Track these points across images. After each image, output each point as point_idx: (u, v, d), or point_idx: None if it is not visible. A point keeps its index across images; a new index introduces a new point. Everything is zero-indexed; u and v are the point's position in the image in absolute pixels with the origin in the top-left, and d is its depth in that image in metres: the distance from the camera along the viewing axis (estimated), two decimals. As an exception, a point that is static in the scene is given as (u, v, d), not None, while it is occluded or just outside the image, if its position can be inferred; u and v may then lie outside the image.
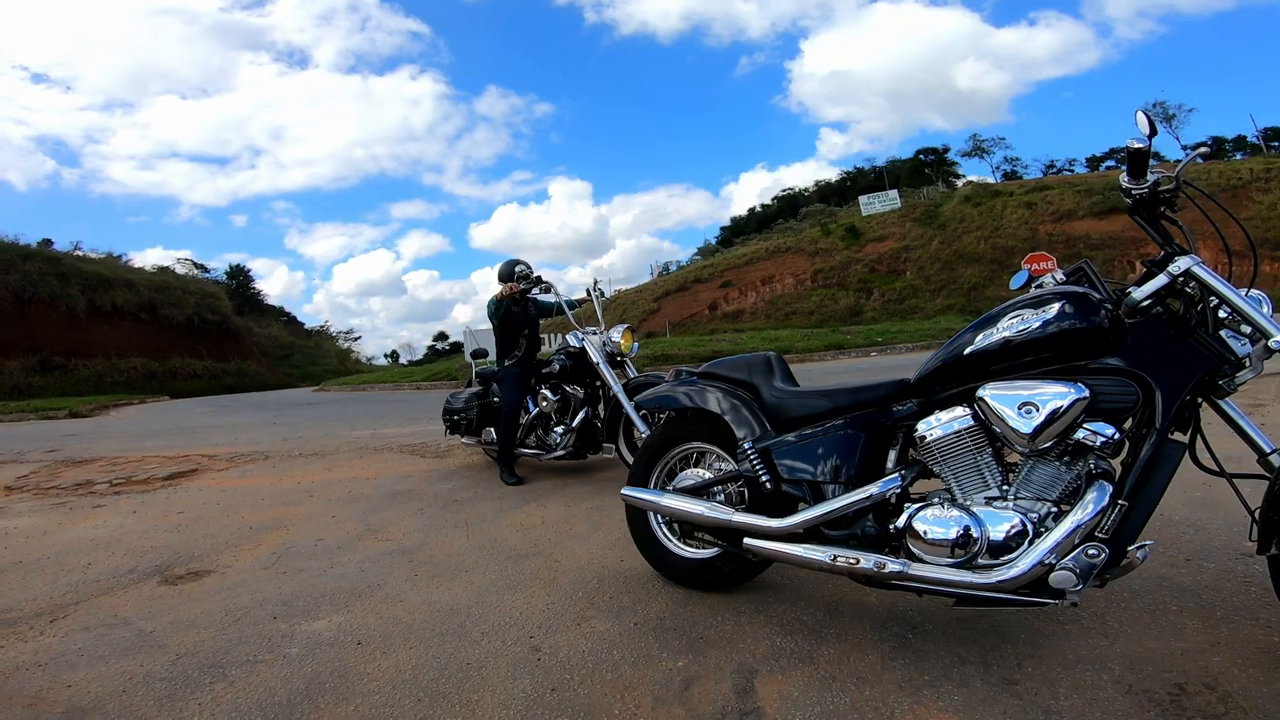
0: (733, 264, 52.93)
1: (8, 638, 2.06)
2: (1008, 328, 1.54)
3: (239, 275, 53.33)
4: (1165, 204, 1.52)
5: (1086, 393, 1.42)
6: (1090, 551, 1.39)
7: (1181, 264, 1.46)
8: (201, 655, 1.87)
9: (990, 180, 53.78)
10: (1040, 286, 1.78)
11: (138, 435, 9.18)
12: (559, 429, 4.20)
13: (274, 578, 2.57)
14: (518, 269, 4.21)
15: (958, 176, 57.73)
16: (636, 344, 4.16)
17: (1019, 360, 1.54)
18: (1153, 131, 1.46)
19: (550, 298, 4.42)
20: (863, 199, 51.60)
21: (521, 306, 4.30)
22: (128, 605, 2.31)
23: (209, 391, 28.41)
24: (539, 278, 4.24)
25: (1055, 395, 1.43)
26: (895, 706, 1.44)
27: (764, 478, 1.88)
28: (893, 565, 1.58)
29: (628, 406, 3.73)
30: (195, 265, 46.89)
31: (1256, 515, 1.44)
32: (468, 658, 1.79)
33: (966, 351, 1.61)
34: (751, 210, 73.04)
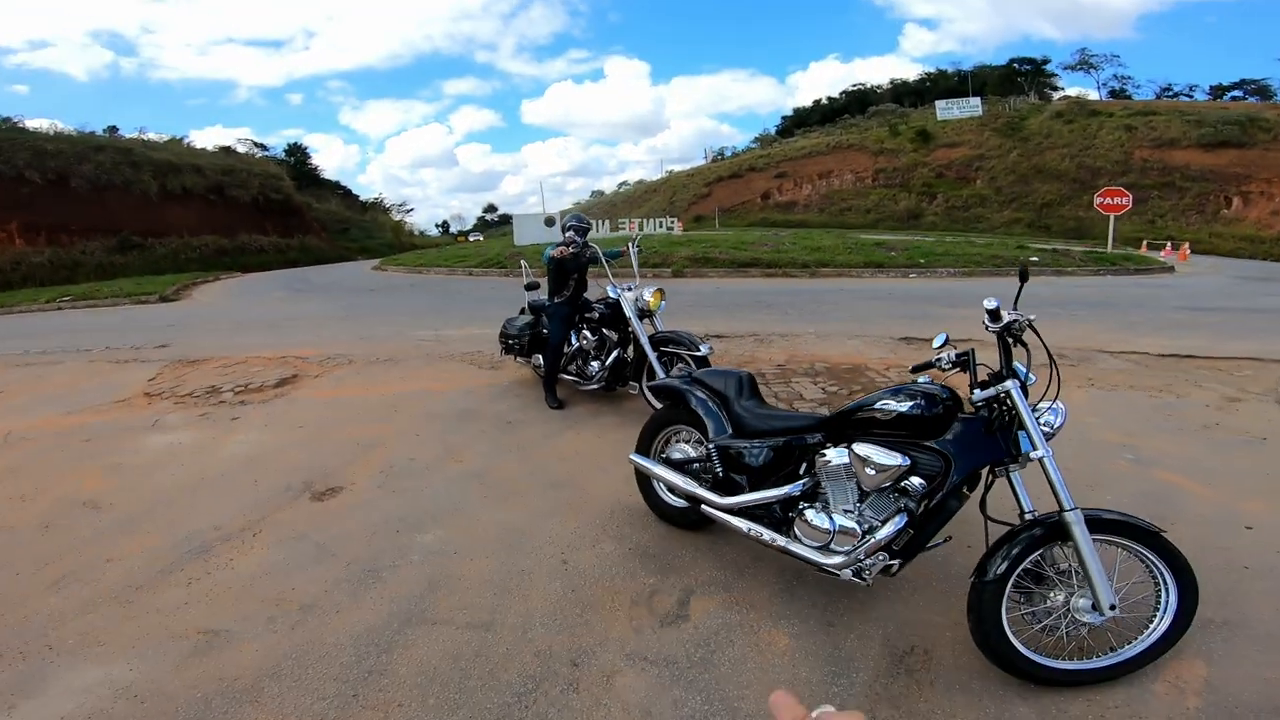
0: (790, 155, 50.72)
1: (234, 550, 3.13)
2: (884, 405, 2.23)
3: (297, 153, 54.50)
4: (1014, 337, 2.15)
5: (908, 462, 2.13)
6: (882, 556, 2.18)
7: (1004, 385, 2.10)
8: (363, 562, 2.90)
9: (1094, 96, 48.63)
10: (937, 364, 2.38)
11: (230, 328, 10.54)
12: (595, 364, 5.07)
13: (390, 497, 3.61)
14: (566, 234, 4.91)
15: (1054, 89, 52.57)
16: (664, 303, 4.84)
17: (885, 428, 2.23)
18: (994, 316, 2.12)
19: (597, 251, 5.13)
20: (940, 103, 47.84)
21: (574, 254, 5.05)
22: (297, 521, 3.38)
23: (275, 265, 30.38)
24: (585, 244, 4.93)
25: (889, 459, 2.14)
26: (761, 626, 2.32)
27: (717, 468, 2.71)
28: (780, 541, 2.40)
29: (651, 355, 4.54)
30: (255, 144, 48.21)
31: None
32: (522, 566, 2.78)
33: (859, 414, 2.31)
34: (817, 102, 68.37)
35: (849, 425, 2.35)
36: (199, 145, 39.91)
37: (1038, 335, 2.14)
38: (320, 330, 9.57)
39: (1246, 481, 3.43)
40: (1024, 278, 2.28)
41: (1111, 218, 21.59)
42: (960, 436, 2.14)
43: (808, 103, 70.56)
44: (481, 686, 2.07)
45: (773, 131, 65.85)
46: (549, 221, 26.29)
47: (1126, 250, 21.43)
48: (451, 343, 7.91)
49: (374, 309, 12.20)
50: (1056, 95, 51.45)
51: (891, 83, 64.94)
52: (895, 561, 2.21)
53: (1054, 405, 2.19)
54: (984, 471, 2.19)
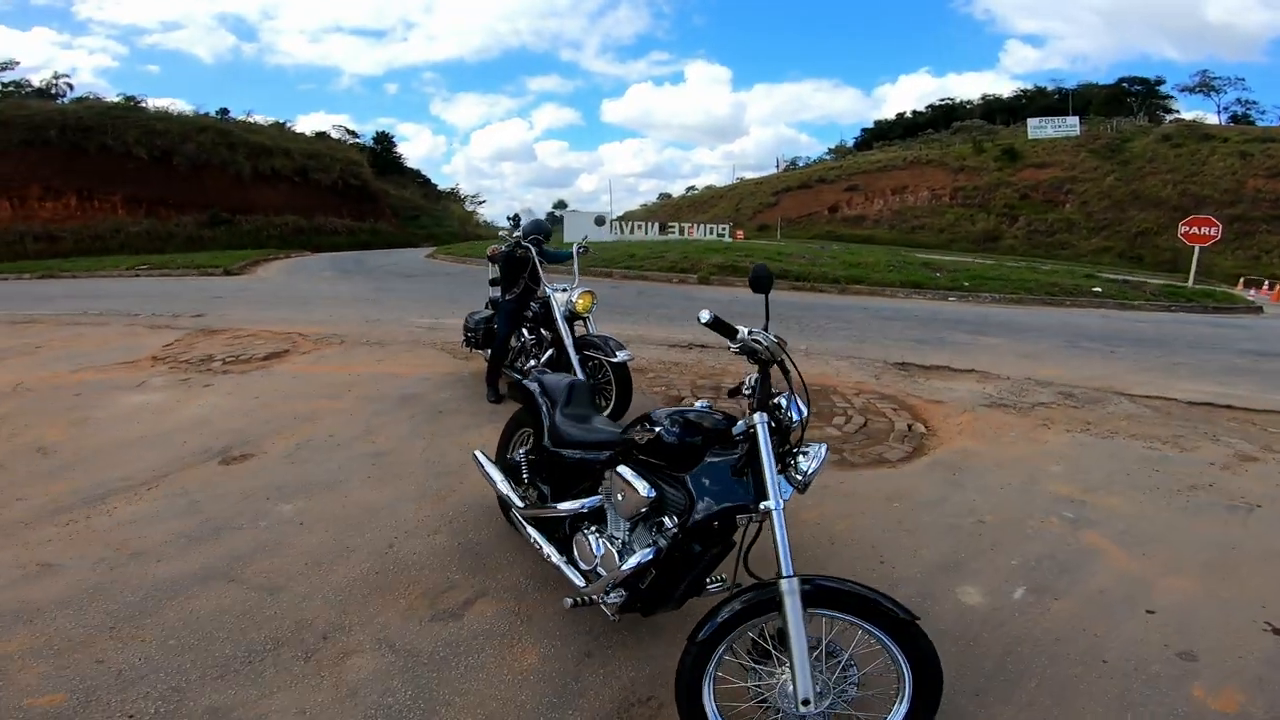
0: (863, 168, 49.49)
1: (121, 499, 3.39)
2: (650, 431, 2.09)
3: (383, 140, 57.77)
4: (770, 360, 1.98)
5: (654, 494, 1.99)
6: (621, 593, 2.05)
7: (751, 419, 1.91)
8: (217, 520, 3.09)
9: (1213, 120, 45.02)
10: None
11: (265, 303, 11.26)
12: (532, 362, 5.14)
13: (287, 466, 3.79)
14: (502, 232, 5.07)
15: (1167, 111, 48.83)
16: (595, 305, 4.86)
17: (647, 453, 2.09)
18: (712, 319, 1.93)
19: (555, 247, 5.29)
20: (1032, 121, 45.53)
21: (505, 253, 5.17)
22: (194, 480, 3.62)
23: (346, 247, 32.14)
24: (516, 244, 5.02)
25: (637, 487, 2.01)
26: (522, 641, 2.29)
27: (525, 474, 2.70)
28: (555, 557, 2.35)
29: (573, 357, 4.55)
30: (348, 131, 51.57)
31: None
32: (351, 544, 2.87)
33: (638, 437, 2.17)
34: (900, 115, 66.37)
35: (631, 449, 2.21)
36: (301, 130, 43.18)
37: (789, 360, 1.98)
38: (337, 310, 10.09)
39: (1193, 555, 3.04)
40: (761, 285, 2.04)
41: (1196, 249, 19.77)
42: (705, 473, 1.96)
43: (891, 115, 68.49)
44: (224, 640, 2.19)
45: (850, 143, 64.25)
46: (599, 220, 26.66)
47: (1210, 286, 19.60)
48: (444, 330, 8.17)
49: (398, 293, 12.74)
50: (1169, 118, 47.72)
51: (984, 98, 62.17)
52: (640, 601, 2.05)
53: (809, 448, 1.96)
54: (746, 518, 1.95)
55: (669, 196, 79.35)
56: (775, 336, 1.97)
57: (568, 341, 4.63)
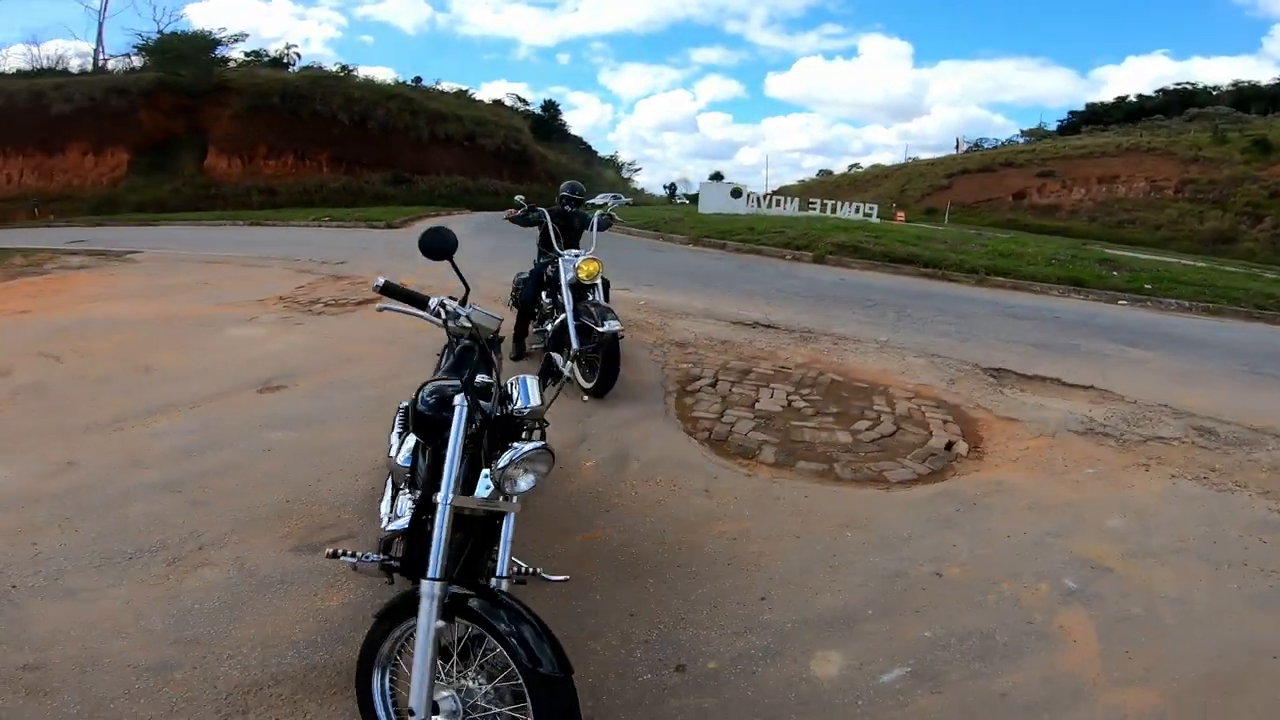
0: (1063, 153, 43.01)
1: (163, 416, 4.00)
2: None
3: (550, 108, 60.86)
4: (484, 339, 1.87)
5: (408, 462, 1.95)
6: (380, 555, 1.95)
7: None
8: (212, 441, 3.55)
9: None
10: None
11: (399, 254, 12.44)
12: (547, 326, 5.21)
13: (303, 400, 4.23)
14: (516, 198, 5.36)
15: None
16: (599, 273, 4.77)
17: (415, 426, 2.01)
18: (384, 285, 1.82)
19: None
20: None
21: (566, 219, 5.28)
22: (228, 405, 4.17)
23: (501, 207, 34.53)
24: (531, 208, 5.19)
25: (394, 450, 1.97)
26: (347, 582, 2.40)
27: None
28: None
29: (570, 324, 4.52)
30: (519, 99, 55.15)
31: None
32: (291, 474, 3.18)
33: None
34: (1121, 99, 56.24)
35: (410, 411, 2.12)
36: (481, 97, 46.89)
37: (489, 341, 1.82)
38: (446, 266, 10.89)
39: (1204, 661, 2.32)
40: (436, 252, 1.86)
41: None
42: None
43: (1109, 99, 58.15)
44: (126, 538, 2.60)
45: (1051, 127, 55.84)
46: (735, 193, 25.93)
47: None
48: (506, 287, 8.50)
49: (514, 252, 13.36)
50: None
51: (1235, 85, 50.67)
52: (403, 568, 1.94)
53: (524, 446, 1.76)
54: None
55: (829, 173, 75.06)
56: (485, 310, 1.83)
57: (567, 309, 4.60)
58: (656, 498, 3.14)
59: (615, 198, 5.50)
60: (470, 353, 1.87)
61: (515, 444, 1.80)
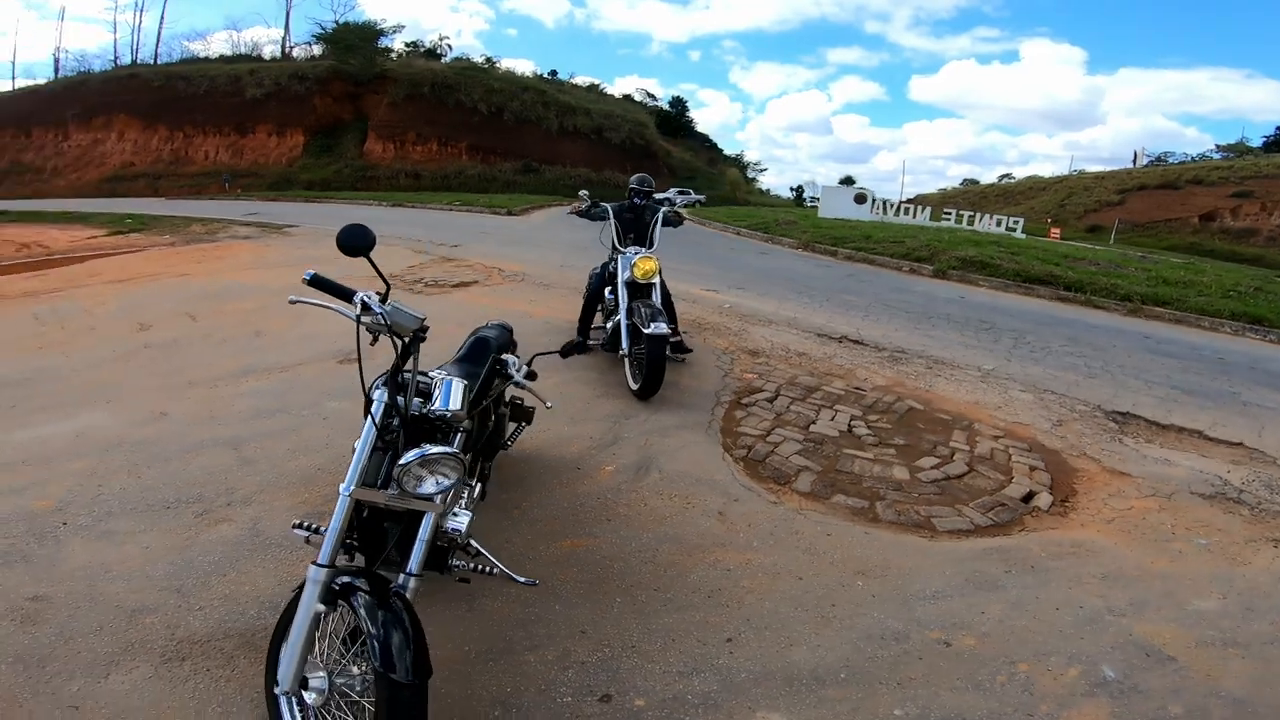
0: (1265, 171, 36.79)
1: (253, 377, 4.40)
2: None
3: (678, 105, 61.13)
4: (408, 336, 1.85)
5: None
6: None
7: (373, 393, 1.88)
8: (282, 405, 3.84)
9: None
10: None
11: (508, 241, 13.01)
12: (608, 324, 5.15)
13: (370, 373, 4.47)
14: (581, 193, 5.43)
15: None
16: (656, 272, 4.60)
17: None
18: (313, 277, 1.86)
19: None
20: None
21: (635, 213, 5.21)
22: (308, 372, 4.50)
23: (621, 199, 35.28)
24: (594, 203, 5.20)
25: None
26: None
27: None
28: None
29: (623, 323, 4.43)
30: (649, 94, 55.98)
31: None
32: (333, 442, 3.32)
33: None
34: None
35: None
36: (615, 92, 48.26)
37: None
38: (549, 254, 11.21)
39: None
40: (353, 249, 1.83)
41: None
42: None
43: None
44: (176, 489, 2.87)
45: (1255, 143, 47.97)
46: (860, 198, 24.55)
47: None
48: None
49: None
50: None
51: None
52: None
53: (426, 448, 1.73)
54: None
55: (975, 183, 69.38)
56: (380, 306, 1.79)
57: (621, 307, 4.50)
58: (665, 513, 2.98)
59: (683, 193, 5.36)
60: (404, 352, 1.87)
61: (426, 445, 1.77)
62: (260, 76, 36.65)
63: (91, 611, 2.18)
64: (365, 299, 1.83)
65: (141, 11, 64.28)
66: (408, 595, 1.79)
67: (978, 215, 26.12)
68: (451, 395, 1.89)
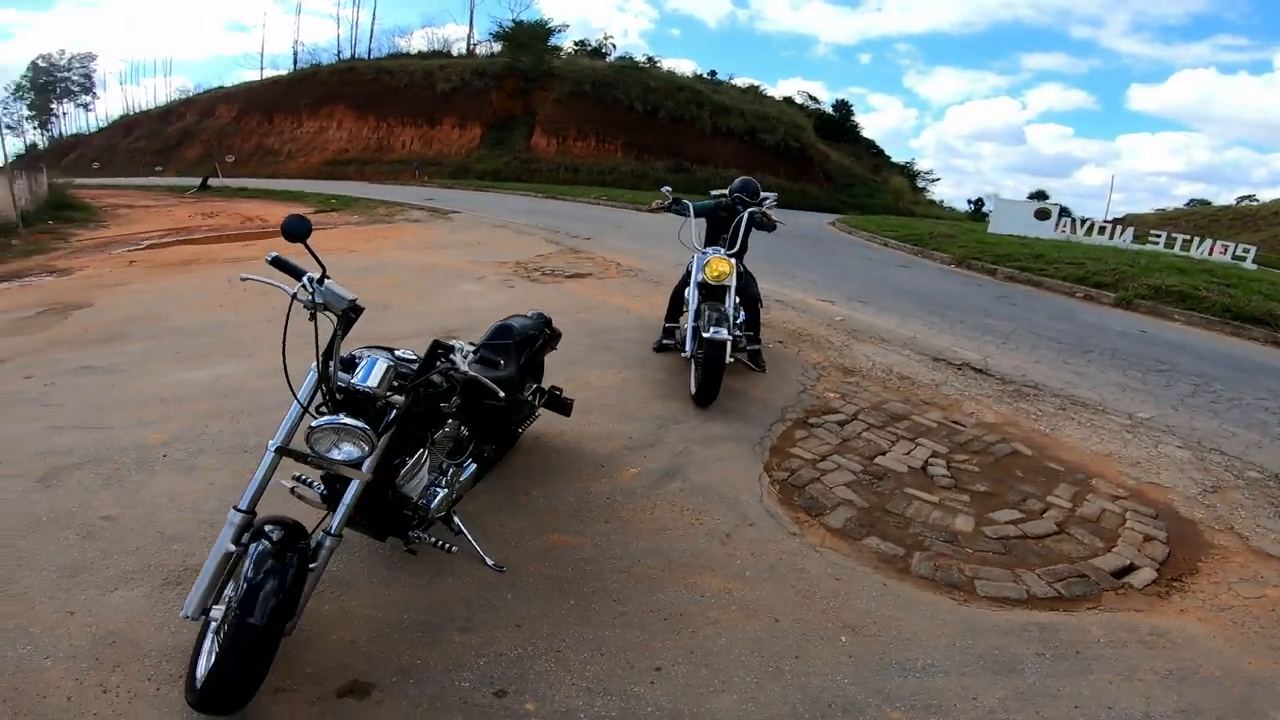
0: None
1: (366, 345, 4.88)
2: None
3: (842, 109, 58.41)
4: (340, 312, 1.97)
5: None
6: None
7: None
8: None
9: None
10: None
11: (637, 237, 13.25)
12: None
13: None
14: (663, 189, 5.45)
15: None
16: (729, 275, 4.40)
17: None
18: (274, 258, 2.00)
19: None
20: None
21: (730, 213, 5.10)
22: (413, 345, 4.87)
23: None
24: (675, 200, 5.18)
25: None
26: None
27: None
28: None
29: (689, 323, 4.31)
30: (810, 97, 54.16)
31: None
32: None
33: None
34: None
35: None
36: (776, 94, 47.35)
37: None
38: (672, 252, 11.24)
39: None
40: (295, 236, 1.94)
41: None
42: None
43: None
44: (230, 436, 3.11)
45: None
46: (1042, 214, 21.75)
47: None
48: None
49: (759, 252, 13.27)
50: None
51: None
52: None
53: (339, 417, 1.88)
54: None
55: (1205, 204, 58.67)
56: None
57: (690, 309, 4.38)
58: (667, 525, 2.85)
59: (768, 198, 5.07)
60: (336, 329, 1.98)
61: (342, 415, 1.90)
62: (448, 72, 40.63)
63: (139, 534, 2.56)
64: (307, 280, 1.97)
65: (358, 8, 74.02)
66: (322, 553, 1.93)
67: (1195, 240, 22.00)
68: (371, 373, 1.99)
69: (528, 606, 2.33)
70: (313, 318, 1.95)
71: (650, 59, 43.52)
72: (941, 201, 61.54)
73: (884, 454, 3.71)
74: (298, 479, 2.23)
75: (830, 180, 43.82)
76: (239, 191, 25.77)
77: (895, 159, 61.71)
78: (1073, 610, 2.61)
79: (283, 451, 1.92)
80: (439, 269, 8.49)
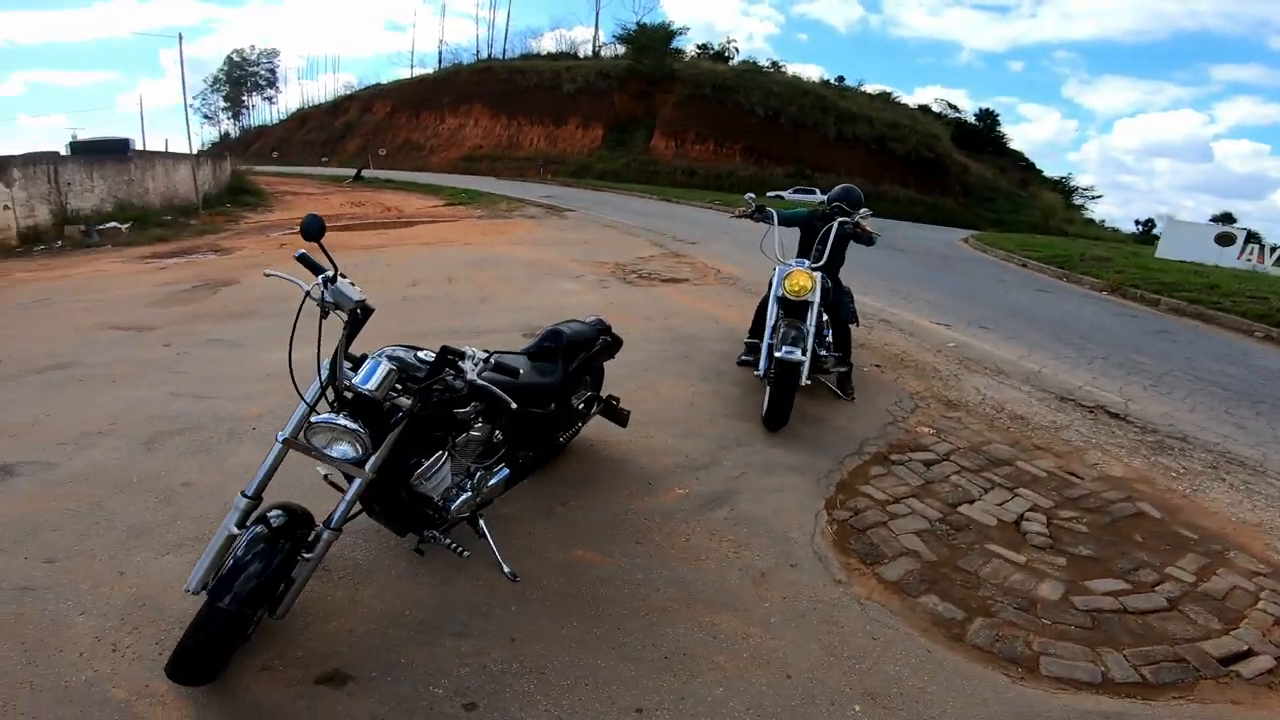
0: None
1: (459, 337, 5.05)
2: None
3: (987, 118, 54.03)
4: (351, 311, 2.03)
5: None
6: None
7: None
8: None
9: None
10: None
11: (741, 244, 12.85)
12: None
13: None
14: (746, 196, 5.12)
15: None
16: (810, 290, 4.05)
17: None
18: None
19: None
20: None
21: (824, 221, 4.79)
22: (500, 340, 5.00)
23: (898, 216, 32.40)
24: (758, 208, 4.85)
25: None
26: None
27: None
28: None
29: (765, 342, 4.04)
30: (950, 105, 50.65)
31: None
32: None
33: None
34: None
35: None
36: (911, 102, 44.89)
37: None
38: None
39: None
40: (312, 235, 1.95)
41: None
42: None
43: None
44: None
45: None
46: (1224, 239, 18.78)
47: None
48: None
49: (863, 266, 12.48)
50: None
51: None
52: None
53: (333, 416, 1.93)
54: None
55: None
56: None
57: (767, 325, 4.09)
58: (701, 555, 2.64)
59: (862, 214, 4.63)
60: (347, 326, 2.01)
61: (340, 416, 1.93)
62: (574, 73, 42.15)
63: (206, 502, 2.74)
64: (322, 279, 1.99)
65: (494, 8, 78.95)
66: (319, 546, 1.96)
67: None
68: (372, 376, 1.97)
69: (528, 621, 2.26)
70: (324, 316, 1.98)
71: (774, 63, 42.72)
72: (1102, 221, 55.32)
73: (971, 502, 3.26)
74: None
75: (968, 194, 40.71)
76: (385, 183, 28.21)
77: (1048, 173, 56.26)
78: (1154, 699, 2.14)
79: (290, 444, 1.97)
80: (542, 265, 8.73)
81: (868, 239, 4.62)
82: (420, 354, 2.21)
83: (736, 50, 46.56)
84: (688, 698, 1.99)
